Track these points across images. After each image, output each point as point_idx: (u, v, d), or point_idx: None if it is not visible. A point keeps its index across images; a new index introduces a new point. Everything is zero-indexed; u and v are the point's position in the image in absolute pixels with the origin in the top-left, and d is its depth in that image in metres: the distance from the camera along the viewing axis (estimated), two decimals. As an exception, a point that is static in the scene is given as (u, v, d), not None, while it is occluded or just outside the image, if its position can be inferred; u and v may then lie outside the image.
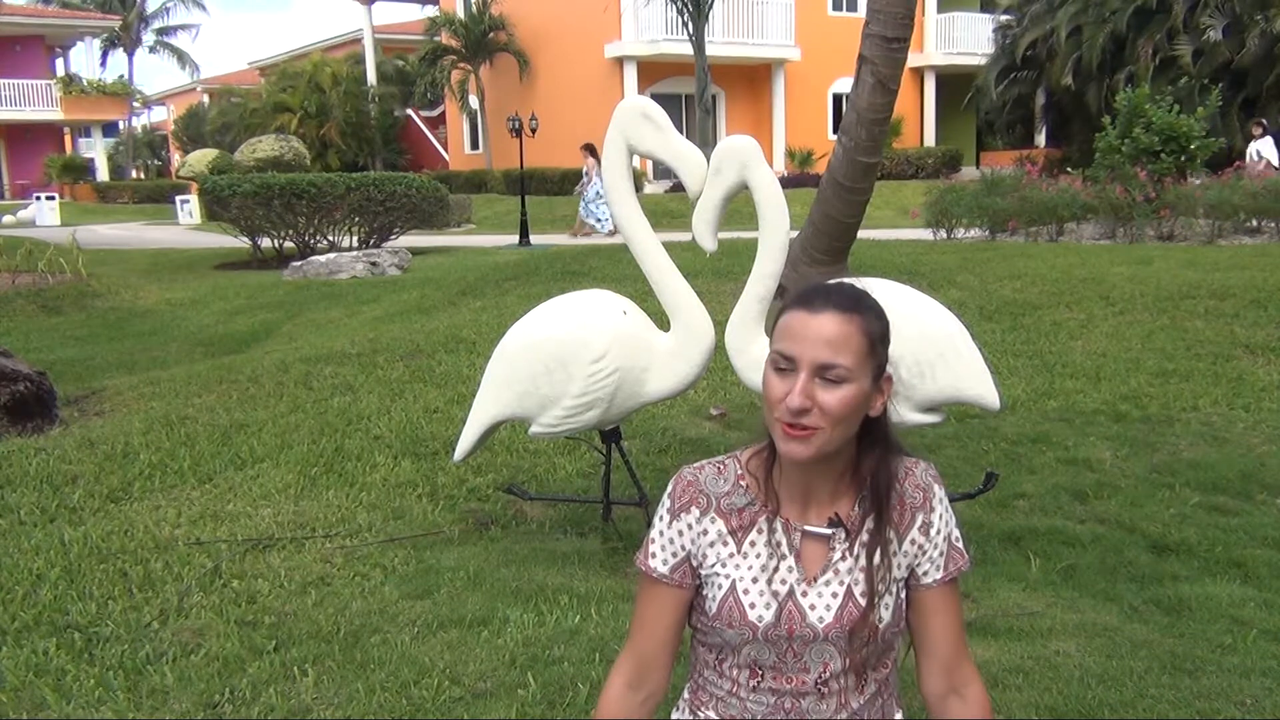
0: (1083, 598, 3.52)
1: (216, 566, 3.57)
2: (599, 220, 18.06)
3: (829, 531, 1.53)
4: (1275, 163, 16.18)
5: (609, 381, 3.63)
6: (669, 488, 1.59)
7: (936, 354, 3.53)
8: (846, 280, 1.57)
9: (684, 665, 1.69)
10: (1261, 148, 16.46)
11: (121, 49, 43.33)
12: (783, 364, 1.46)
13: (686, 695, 1.67)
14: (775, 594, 1.52)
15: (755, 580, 1.53)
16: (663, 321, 3.77)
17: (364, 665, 2.83)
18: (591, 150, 18.33)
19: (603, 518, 4.19)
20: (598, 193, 17.54)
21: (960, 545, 1.58)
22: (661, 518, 1.58)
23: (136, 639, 3.01)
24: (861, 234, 8.09)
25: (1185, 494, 4.51)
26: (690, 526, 1.55)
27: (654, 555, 1.58)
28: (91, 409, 6.19)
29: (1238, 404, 5.78)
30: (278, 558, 3.69)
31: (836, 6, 27.95)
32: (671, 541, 1.57)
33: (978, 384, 3.60)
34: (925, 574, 1.56)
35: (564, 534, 4.11)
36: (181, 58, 44.45)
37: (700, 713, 1.62)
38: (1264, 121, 17.66)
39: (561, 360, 3.64)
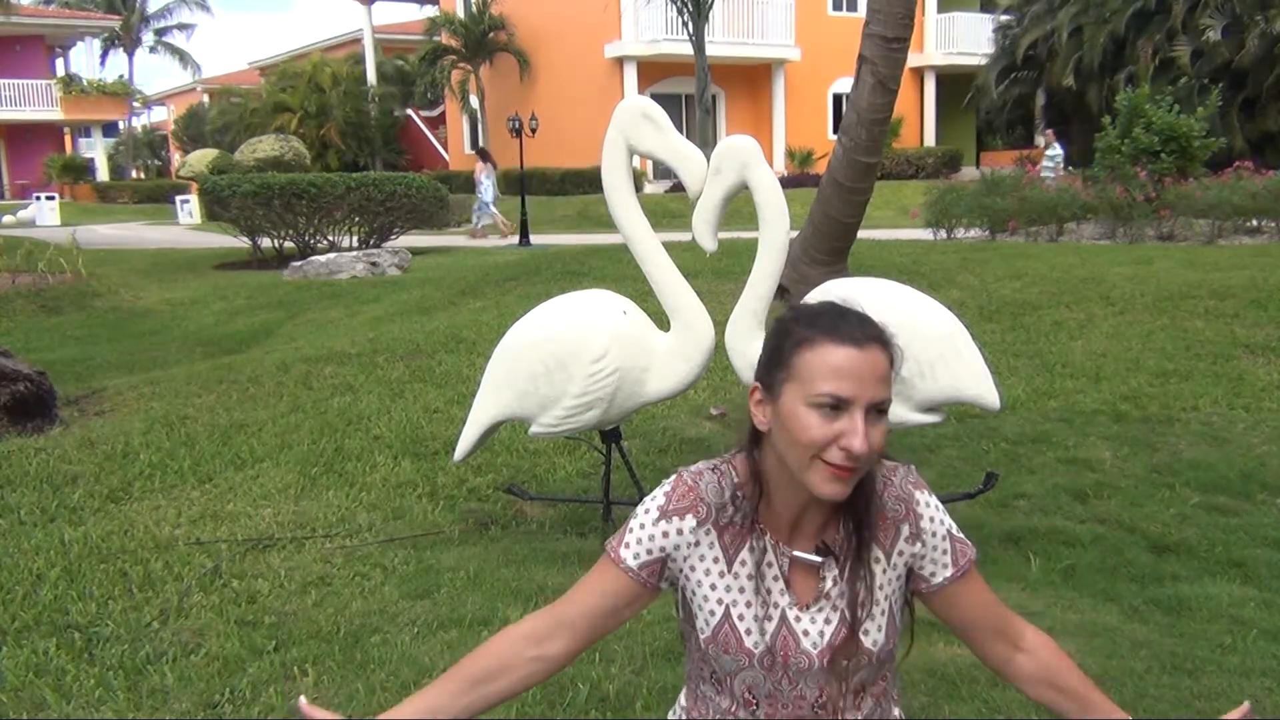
0: (1083, 598, 3.52)
1: (216, 566, 3.57)
2: (484, 217, 19.61)
3: (819, 560, 1.49)
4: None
5: (609, 381, 3.63)
6: (666, 486, 1.52)
7: (936, 354, 3.53)
8: (854, 306, 1.52)
9: (683, 664, 1.68)
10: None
11: (121, 49, 43.31)
12: (832, 405, 1.38)
13: (684, 702, 1.65)
14: (769, 619, 1.48)
15: (749, 605, 1.49)
16: (663, 321, 3.77)
17: (364, 665, 2.83)
18: (483, 155, 19.95)
19: (603, 518, 4.19)
20: (495, 196, 19.37)
21: (962, 536, 1.55)
22: (649, 511, 1.51)
23: (136, 639, 3.01)
24: (861, 234, 8.09)
25: (1185, 494, 4.50)
26: (680, 532, 1.49)
27: (627, 545, 1.50)
28: (91, 409, 6.19)
29: (1238, 404, 5.78)
30: (278, 558, 3.69)
31: (836, 6, 27.95)
32: (651, 538, 1.50)
33: (978, 384, 3.60)
34: (933, 575, 1.53)
35: (564, 534, 4.11)
36: (182, 58, 44.41)
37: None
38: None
39: (561, 360, 3.64)
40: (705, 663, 1.55)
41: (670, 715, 1.69)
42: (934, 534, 1.52)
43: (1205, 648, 3.01)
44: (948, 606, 1.55)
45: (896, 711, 1.62)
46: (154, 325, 10.91)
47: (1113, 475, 4.76)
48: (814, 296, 3.62)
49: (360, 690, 2.68)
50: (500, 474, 4.69)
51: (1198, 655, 2.92)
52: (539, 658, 1.50)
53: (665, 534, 1.50)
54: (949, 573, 1.53)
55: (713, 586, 1.50)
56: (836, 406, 1.38)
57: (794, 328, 1.45)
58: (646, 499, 1.53)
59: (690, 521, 1.49)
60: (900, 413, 3.53)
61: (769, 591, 1.49)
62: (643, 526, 1.51)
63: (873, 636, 1.49)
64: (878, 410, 1.39)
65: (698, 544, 1.50)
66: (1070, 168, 16.56)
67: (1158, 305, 7.70)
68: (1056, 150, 19.89)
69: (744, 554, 1.50)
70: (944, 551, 1.53)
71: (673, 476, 1.54)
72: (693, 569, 1.51)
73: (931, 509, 1.53)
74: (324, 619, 3.15)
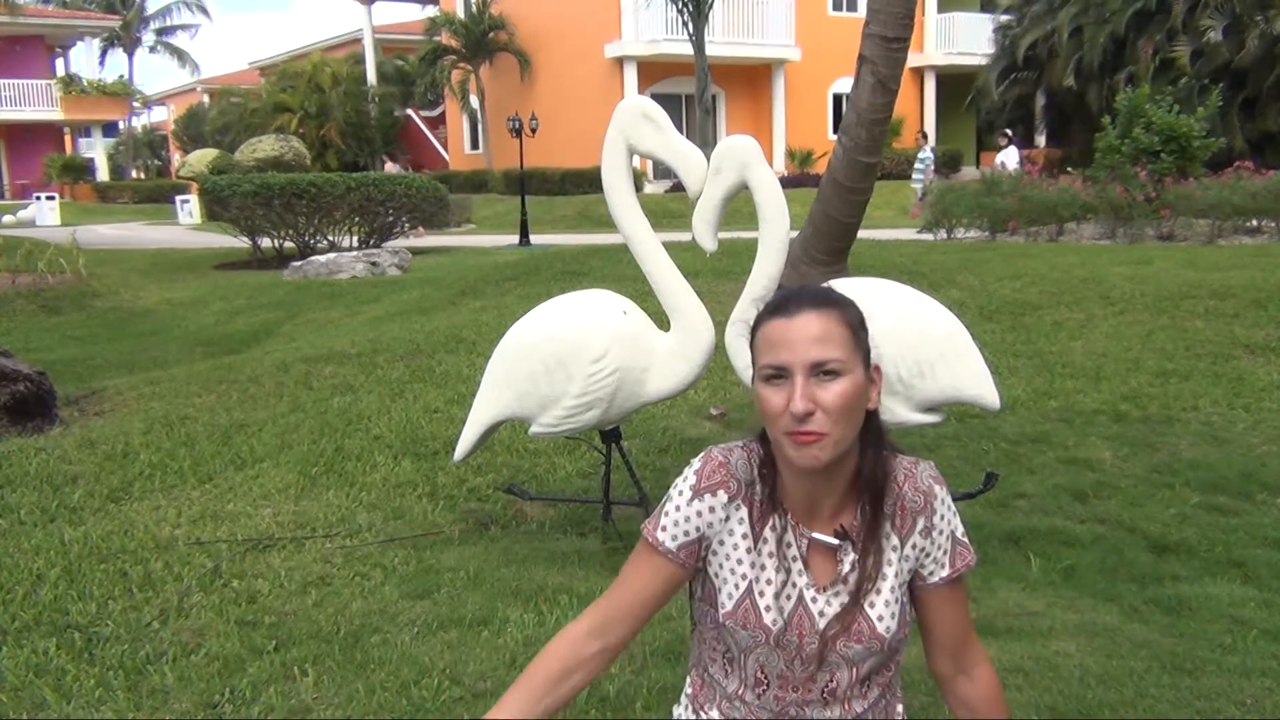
0: (1083, 598, 3.52)
1: (216, 566, 3.57)
2: None
3: (836, 543, 1.52)
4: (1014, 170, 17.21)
5: (609, 381, 3.62)
6: (696, 464, 1.55)
7: (936, 354, 3.53)
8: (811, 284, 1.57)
9: (683, 663, 1.68)
10: (1006, 158, 17.29)
11: (121, 49, 43.31)
12: (774, 375, 1.45)
13: (689, 692, 1.66)
14: (788, 598, 1.52)
15: (770, 583, 1.52)
16: (663, 321, 3.77)
17: (364, 665, 2.82)
18: (391, 157, 21.14)
19: (603, 518, 4.19)
20: None
21: (965, 541, 1.58)
22: (682, 492, 1.54)
23: (136, 639, 3.01)
24: (861, 234, 8.09)
25: (1185, 494, 4.51)
26: (713, 509, 1.52)
27: (664, 529, 1.54)
28: (91, 409, 6.19)
29: (1238, 404, 5.78)
30: (278, 558, 3.69)
31: (836, 6, 27.95)
32: (687, 519, 1.53)
33: (978, 384, 3.60)
34: (931, 573, 1.56)
35: (564, 534, 4.11)
36: (181, 58, 44.42)
37: (703, 713, 1.61)
38: (1009, 132, 19.38)
39: (561, 360, 3.64)
40: (720, 641, 1.57)
41: (675, 712, 1.69)
42: (941, 532, 1.55)
43: (1205, 648, 3.01)
44: (925, 606, 1.59)
45: (899, 709, 1.63)
46: (154, 325, 10.92)
47: (1113, 475, 4.76)
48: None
49: (360, 690, 2.67)
50: (500, 474, 4.69)
51: (1198, 655, 2.92)
52: (603, 650, 1.55)
53: (699, 513, 1.53)
54: (945, 573, 1.56)
55: (739, 561, 1.53)
56: (779, 376, 1.44)
57: (759, 315, 1.53)
58: (678, 480, 1.57)
59: (722, 497, 1.53)
60: (900, 413, 3.53)
61: (788, 570, 1.52)
62: (678, 508, 1.54)
63: (885, 623, 1.51)
64: (824, 371, 1.42)
65: (728, 519, 1.53)
66: (1070, 169, 16.54)
67: (1158, 305, 7.70)
68: (927, 154, 19.34)
69: (767, 532, 1.53)
70: (945, 551, 1.56)
71: (702, 454, 1.57)
72: (721, 544, 1.54)
73: (945, 507, 1.56)
74: (324, 619, 3.15)
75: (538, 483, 4.65)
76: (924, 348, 3.51)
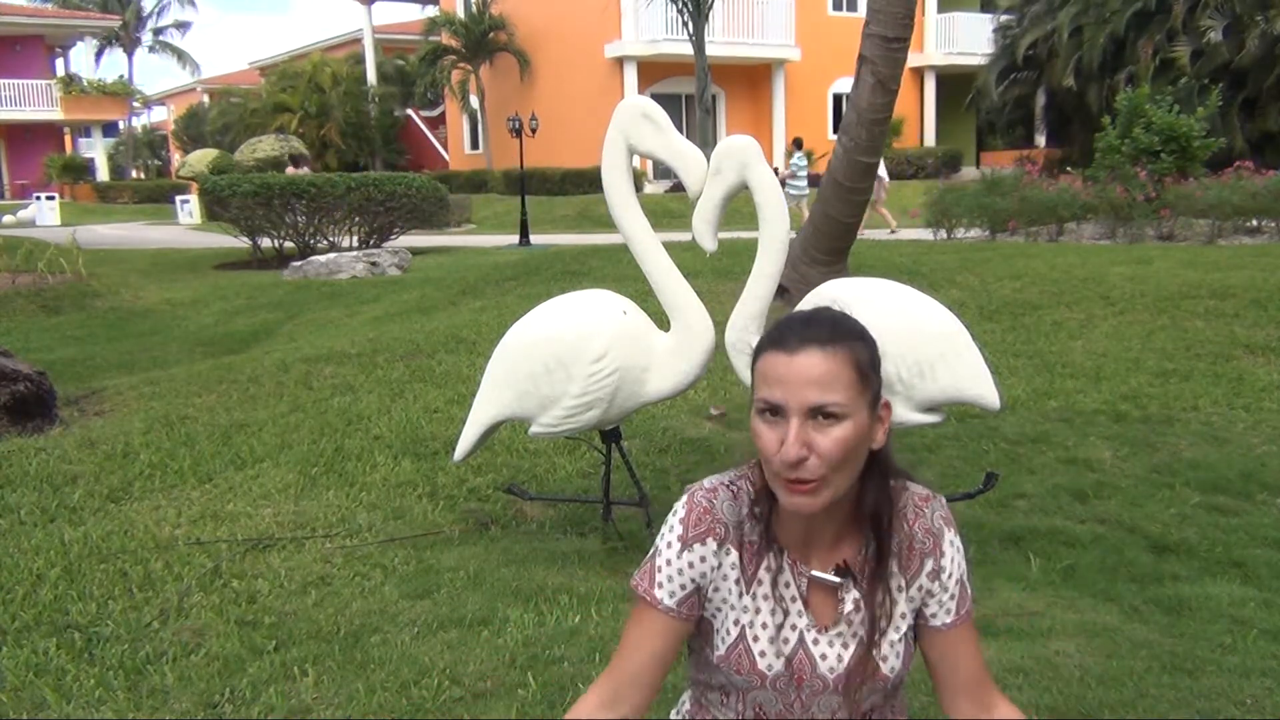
0: (1083, 598, 3.52)
1: (216, 566, 3.57)
2: None
3: (838, 580, 1.45)
4: (884, 179, 16.11)
5: (609, 381, 3.62)
6: (680, 511, 1.48)
7: (936, 354, 3.53)
8: (823, 307, 1.46)
9: (683, 664, 1.67)
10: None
11: (121, 48, 43.31)
12: (769, 412, 1.36)
13: (689, 706, 1.63)
14: (785, 641, 1.45)
15: (765, 626, 1.46)
16: (663, 321, 3.77)
17: (364, 665, 2.82)
18: (295, 161, 22.28)
19: (603, 518, 4.18)
20: None
21: (968, 583, 1.51)
22: (670, 544, 1.46)
23: (136, 639, 3.01)
24: (862, 234, 8.10)
25: (1185, 494, 4.51)
26: (704, 559, 1.45)
27: (660, 585, 1.46)
28: (91, 409, 6.19)
29: (1238, 404, 5.78)
30: (278, 558, 3.69)
31: (836, 6, 27.96)
32: (681, 573, 1.45)
33: (978, 384, 3.60)
34: (934, 616, 1.49)
35: (564, 534, 4.10)
36: (181, 57, 44.44)
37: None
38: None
39: (561, 360, 3.64)
40: (715, 676, 1.52)
41: (673, 714, 1.68)
42: (950, 576, 1.49)
43: (1205, 648, 3.01)
44: (933, 649, 1.51)
45: (903, 716, 1.61)
46: (154, 325, 10.92)
47: (1113, 475, 4.76)
48: (812, 297, 3.62)
49: (360, 690, 2.67)
50: (500, 474, 4.69)
51: (1198, 655, 2.92)
52: (623, 718, 1.46)
53: (691, 564, 1.46)
54: (949, 619, 1.50)
55: (731, 607, 1.47)
56: (775, 413, 1.36)
57: (760, 341, 1.44)
58: (664, 528, 1.49)
59: (711, 545, 1.46)
60: (900, 413, 3.53)
61: (786, 612, 1.46)
62: (669, 563, 1.46)
63: (890, 663, 1.46)
64: (823, 414, 1.34)
65: (719, 566, 1.47)
66: (1070, 169, 16.40)
67: (1158, 305, 7.70)
68: (801, 161, 17.02)
69: (761, 572, 1.47)
70: (952, 596, 1.49)
71: (684, 498, 1.49)
72: (715, 590, 1.48)
73: (954, 550, 1.50)
74: (324, 619, 3.15)
75: (538, 483, 4.64)
76: (924, 348, 3.51)
